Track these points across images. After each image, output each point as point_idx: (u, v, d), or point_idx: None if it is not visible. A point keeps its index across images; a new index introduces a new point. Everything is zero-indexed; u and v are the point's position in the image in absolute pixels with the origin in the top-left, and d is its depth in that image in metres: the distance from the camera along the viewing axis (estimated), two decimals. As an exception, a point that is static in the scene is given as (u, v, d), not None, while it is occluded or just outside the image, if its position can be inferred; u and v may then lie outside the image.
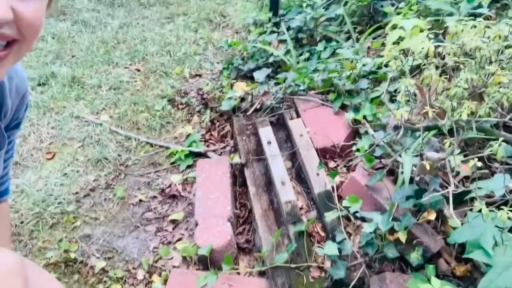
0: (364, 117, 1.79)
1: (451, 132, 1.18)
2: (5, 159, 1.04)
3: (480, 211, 1.01)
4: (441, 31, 1.93)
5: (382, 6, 2.47)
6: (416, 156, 1.34)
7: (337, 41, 2.48)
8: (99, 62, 2.91)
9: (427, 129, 1.33)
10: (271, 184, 1.73)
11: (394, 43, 1.45)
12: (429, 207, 1.29)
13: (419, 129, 1.31)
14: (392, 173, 1.52)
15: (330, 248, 1.35)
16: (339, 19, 2.66)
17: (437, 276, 1.25)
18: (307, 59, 2.44)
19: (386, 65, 1.96)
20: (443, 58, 1.22)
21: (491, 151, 0.99)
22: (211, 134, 2.24)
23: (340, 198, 1.58)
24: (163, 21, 3.53)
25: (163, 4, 3.83)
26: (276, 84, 2.31)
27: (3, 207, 1.14)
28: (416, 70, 1.77)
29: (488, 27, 1.16)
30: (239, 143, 1.99)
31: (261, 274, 1.45)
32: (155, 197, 1.89)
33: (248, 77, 2.61)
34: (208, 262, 1.44)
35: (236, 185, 1.85)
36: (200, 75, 2.78)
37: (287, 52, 2.55)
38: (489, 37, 1.14)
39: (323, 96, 2.07)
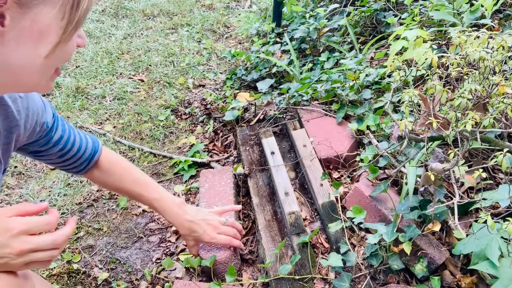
0: (368, 127, 1.79)
1: (455, 142, 1.18)
2: (64, 142, 1.10)
3: (485, 222, 1.01)
4: (444, 42, 1.94)
5: (385, 17, 2.49)
6: (420, 166, 1.34)
7: (340, 52, 2.49)
8: (103, 72, 2.93)
9: (431, 139, 1.33)
10: (275, 195, 1.73)
11: (397, 54, 1.46)
12: (434, 218, 1.28)
13: (423, 140, 1.31)
14: (396, 184, 1.51)
15: (334, 260, 1.34)
16: (342, 29, 2.68)
17: (442, 287, 1.24)
18: (310, 70, 2.45)
19: (389, 76, 1.98)
20: (446, 69, 1.22)
21: (495, 161, 0.99)
22: (215, 145, 2.24)
23: (344, 209, 1.58)
24: (167, 31, 3.55)
25: (167, 15, 3.86)
26: (280, 94, 2.32)
27: (104, 158, 1.14)
28: (420, 81, 1.77)
29: (491, 37, 1.16)
30: (242, 153, 1.99)
31: (265, 285, 1.44)
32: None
33: (251, 87, 2.62)
34: (211, 273, 1.44)
35: (239, 195, 1.85)
36: (203, 85, 2.79)
37: (290, 62, 2.56)
38: (493, 48, 1.15)
39: (327, 106, 2.07)
